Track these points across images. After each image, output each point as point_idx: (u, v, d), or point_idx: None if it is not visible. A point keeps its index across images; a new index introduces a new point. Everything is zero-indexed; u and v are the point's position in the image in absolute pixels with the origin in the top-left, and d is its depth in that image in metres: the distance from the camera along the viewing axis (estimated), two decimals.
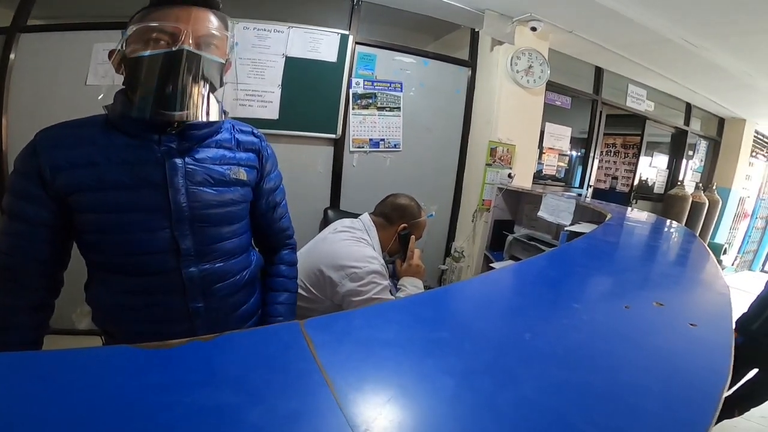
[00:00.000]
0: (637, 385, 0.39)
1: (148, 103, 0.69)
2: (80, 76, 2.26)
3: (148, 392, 0.30)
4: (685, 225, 3.80)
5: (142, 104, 0.70)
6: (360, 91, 2.66)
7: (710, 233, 4.73)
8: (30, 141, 0.72)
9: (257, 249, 1.00)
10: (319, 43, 2.53)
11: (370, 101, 2.70)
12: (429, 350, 0.40)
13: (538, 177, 3.28)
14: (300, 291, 1.24)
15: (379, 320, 0.45)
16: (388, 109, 2.74)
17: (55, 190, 0.71)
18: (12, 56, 2.22)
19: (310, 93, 2.54)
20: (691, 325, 0.54)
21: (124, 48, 0.72)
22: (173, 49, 0.68)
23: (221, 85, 0.78)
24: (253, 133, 0.90)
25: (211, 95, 0.75)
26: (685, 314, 0.60)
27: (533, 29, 2.67)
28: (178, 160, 0.75)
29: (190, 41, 0.70)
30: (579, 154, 3.84)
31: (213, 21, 0.74)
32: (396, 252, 1.46)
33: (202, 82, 0.72)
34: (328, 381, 0.33)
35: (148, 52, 0.68)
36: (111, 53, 0.75)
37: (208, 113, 0.74)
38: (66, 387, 0.30)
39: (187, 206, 0.76)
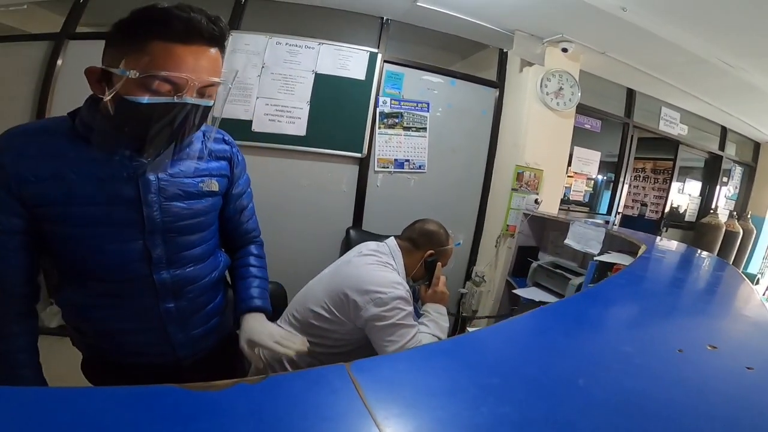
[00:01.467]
0: None
1: (128, 145, 0.69)
2: None
3: None
4: (718, 255, 3.64)
5: (121, 142, 0.69)
6: (387, 110, 2.68)
7: (743, 263, 4.51)
8: None
9: (224, 249, 1.01)
10: (348, 60, 2.57)
11: (397, 120, 2.71)
12: (481, 398, 0.38)
13: (563, 202, 3.20)
14: (323, 313, 1.24)
15: (425, 364, 0.43)
16: (414, 129, 2.75)
17: (23, 200, 0.68)
18: (59, 62, 2.30)
19: (338, 110, 2.56)
20: (748, 368, 0.52)
21: (114, 78, 0.64)
22: (175, 100, 0.64)
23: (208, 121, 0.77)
24: (224, 140, 0.90)
25: (191, 140, 0.77)
26: (740, 357, 0.58)
27: (564, 50, 2.64)
28: (152, 176, 0.74)
29: (194, 94, 0.66)
30: (606, 178, 3.75)
31: (217, 62, 0.68)
32: (420, 278, 1.43)
33: (192, 129, 0.71)
34: (381, 431, 0.31)
35: (147, 100, 0.62)
36: (90, 72, 0.67)
37: (187, 148, 0.76)
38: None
39: (161, 220, 0.76)
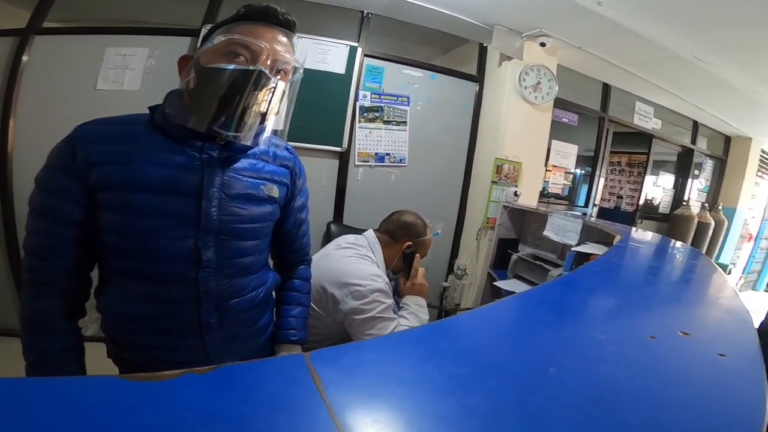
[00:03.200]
0: (678, 423, 0.36)
1: (208, 116, 0.69)
2: (90, 80, 2.26)
3: None
4: (691, 245, 3.75)
5: (201, 115, 0.69)
6: (367, 103, 2.66)
7: (715, 253, 4.67)
8: (68, 134, 0.71)
9: (272, 263, 0.99)
10: (328, 54, 2.53)
11: (377, 114, 2.69)
12: (449, 388, 0.36)
13: (543, 195, 3.25)
14: None
15: (392, 353, 0.42)
16: (394, 123, 2.73)
17: (88, 185, 0.69)
18: (25, 58, 2.22)
19: (317, 104, 2.53)
20: (721, 355, 0.52)
21: (199, 56, 0.72)
22: (250, 67, 0.69)
23: (278, 111, 0.79)
24: (287, 149, 0.90)
25: (267, 120, 0.76)
26: (713, 344, 0.58)
27: (542, 45, 2.67)
28: (217, 170, 0.74)
29: (268, 63, 0.71)
30: (584, 172, 3.81)
31: (289, 47, 0.76)
32: (400, 270, 1.42)
33: (266, 106, 0.73)
34: (337, 424, 0.29)
35: (226, 66, 0.69)
36: (183, 59, 0.76)
37: (257, 138, 0.75)
38: (42, 422, 0.27)
39: (217, 218, 0.74)
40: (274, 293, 0.98)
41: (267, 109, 0.74)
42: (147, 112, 0.75)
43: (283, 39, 0.75)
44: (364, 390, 0.35)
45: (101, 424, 0.27)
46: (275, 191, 0.84)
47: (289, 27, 0.76)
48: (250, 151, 0.80)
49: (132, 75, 2.29)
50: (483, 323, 0.55)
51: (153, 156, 0.70)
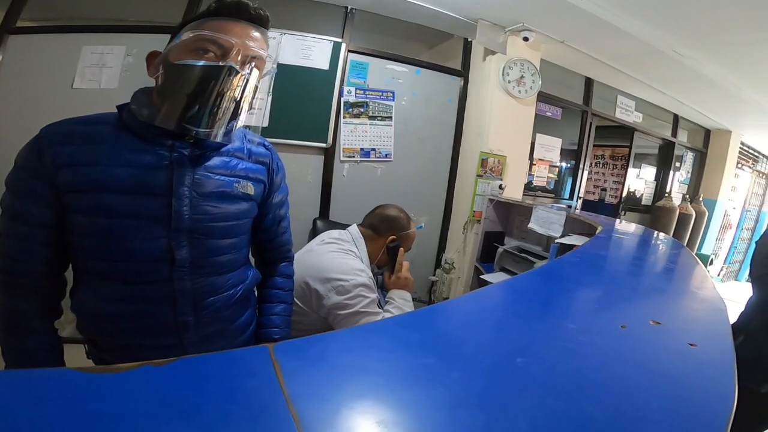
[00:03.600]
0: (640, 417, 0.36)
1: (176, 113, 0.68)
2: (67, 79, 2.22)
3: (86, 423, 0.26)
4: (673, 236, 3.82)
5: (169, 113, 0.68)
6: (351, 99, 2.64)
7: (697, 244, 4.77)
8: (34, 136, 0.69)
9: (254, 260, 0.98)
10: (312, 50, 2.51)
11: (362, 110, 2.68)
12: (414, 379, 0.37)
13: (529, 188, 3.28)
14: None
15: (359, 344, 0.41)
16: (379, 118, 2.73)
17: (57, 186, 0.67)
18: None
19: (301, 101, 2.51)
20: (691, 345, 0.52)
21: (168, 52, 0.71)
22: (220, 63, 0.68)
23: (250, 108, 0.77)
24: (263, 145, 0.89)
25: (239, 116, 0.74)
26: (684, 333, 0.58)
27: (525, 39, 2.68)
28: (188, 169, 0.72)
29: (239, 58, 0.70)
30: (569, 165, 3.85)
31: (262, 42, 0.74)
32: (385, 264, 1.42)
33: (236, 102, 0.71)
34: (294, 415, 0.29)
35: (194, 62, 0.68)
36: (151, 55, 0.75)
37: (229, 135, 0.73)
38: None
39: (189, 217, 0.73)
40: (255, 291, 0.97)
41: (239, 106, 0.73)
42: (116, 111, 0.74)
43: (256, 34, 0.73)
44: (327, 381, 0.34)
45: (48, 413, 0.26)
46: (250, 188, 0.82)
47: (261, 22, 0.74)
48: (223, 149, 0.78)
49: (109, 73, 2.24)
50: (455, 314, 0.56)
51: (120, 156, 0.69)
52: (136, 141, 0.71)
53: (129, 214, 0.70)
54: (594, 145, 3.80)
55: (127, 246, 0.71)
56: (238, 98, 0.72)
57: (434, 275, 3.04)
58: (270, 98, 2.43)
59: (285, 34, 2.45)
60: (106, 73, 2.24)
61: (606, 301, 0.73)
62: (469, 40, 2.92)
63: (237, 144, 0.81)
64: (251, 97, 0.76)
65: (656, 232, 1.88)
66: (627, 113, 3.85)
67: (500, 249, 2.37)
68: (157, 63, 0.72)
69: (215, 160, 0.77)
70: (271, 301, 0.97)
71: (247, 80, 0.72)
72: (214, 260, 0.79)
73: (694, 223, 4.44)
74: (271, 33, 0.78)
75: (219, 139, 0.72)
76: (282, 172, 0.94)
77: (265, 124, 2.44)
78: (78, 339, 0.81)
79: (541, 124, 3.19)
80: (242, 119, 0.76)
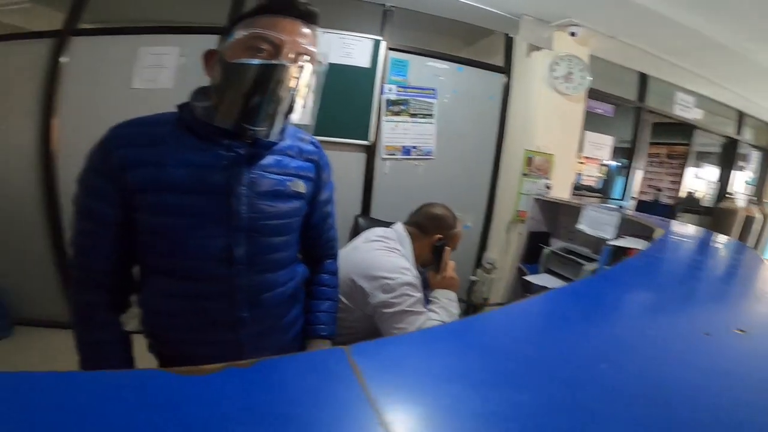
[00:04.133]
0: (741, 421, 0.34)
1: (234, 113, 0.69)
2: (126, 80, 2.33)
3: (183, 428, 0.26)
4: (736, 240, 3.54)
5: (228, 112, 0.69)
6: (392, 97, 2.63)
7: (762, 249, 4.40)
8: (102, 137, 0.72)
9: (301, 257, 0.99)
10: (352, 48, 2.53)
11: (403, 108, 2.66)
12: (493, 384, 0.35)
13: (576, 188, 3.14)
14: None
15: (430, 347, 0.40)
16: (421, 115, 2.70)
17: (124, 187, 0.70)
18: (64, 59, 2.29)
19: (343, 99, 2.53)
20: None
21: (223, 51, 0.72)
22: (274, 62, 0.68)
23: (303, 105, 0.77)
24: (312, 143, 0.90)
25: (291, 114, 0.75)
26: None
27: (572, 34, 2.56)
28: (244, 168, 0.74)
29: (291, 56, 0.70)
30: (619, 163, 3.65)
31: (313, 38, 0.74)
32: (429, 263, 1.40)
33: (291, 100, 0.72)
34: (381, 420, 0.28)
35: (251, 61, 0.68)
36: (208, 54, 0.76)
37: (283, 133, 0.75)
38: (90, 415, 0.27)
39: (247, 216, 0.74)
40: (303, 287, 0.98)
41: (292, 104, 0.73)
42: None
43: (306, 31, 0.73)
44: (404, 386, 0.33)
45: (146, 419, 0.27)
46: (301, 186, 0.83)
47: (312, 18, 0.74)
48: (275, 147, 0.79)
49: (165, 73, 2.35)
50: (522, 318, 0.53)
51: (180, 156, 0.71)
52: (195, 140, 0.72)
53: (189, 212, 0.72)
54: (649, 143, 3.58)
55: (187, 244, 0.73)
56: (293, 96, 0.72)
57: (474, 275, 2.98)
58: (313, 96, 2.46)
59: (326, 32, 2.48)
60: (162, 73, 2.34)
61: (683, 308, 0.68)
62: (511, 36, 2.83)
63: (288, 142, 0.83)
64: (304, 96, 0.76)
65: (717, 234, 1.75)
66: (686, 110, 3.59)
67: (546, 250, 2.28)
68: (214, 62, 0.73)
69: (269, 159, 0.78)
70: (318, 297, 0.98)
71: (299, 79, 0.72)
72: (269, 257, 0.81)
73: (760, 227, 4.09)
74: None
75: (274, 138, 0.73)
76: (329, 169, 0.95)
77: (308, 121, 2.48)
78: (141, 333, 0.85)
79: (592, 122, 3.03)
80: (295, 117, 0.77)
